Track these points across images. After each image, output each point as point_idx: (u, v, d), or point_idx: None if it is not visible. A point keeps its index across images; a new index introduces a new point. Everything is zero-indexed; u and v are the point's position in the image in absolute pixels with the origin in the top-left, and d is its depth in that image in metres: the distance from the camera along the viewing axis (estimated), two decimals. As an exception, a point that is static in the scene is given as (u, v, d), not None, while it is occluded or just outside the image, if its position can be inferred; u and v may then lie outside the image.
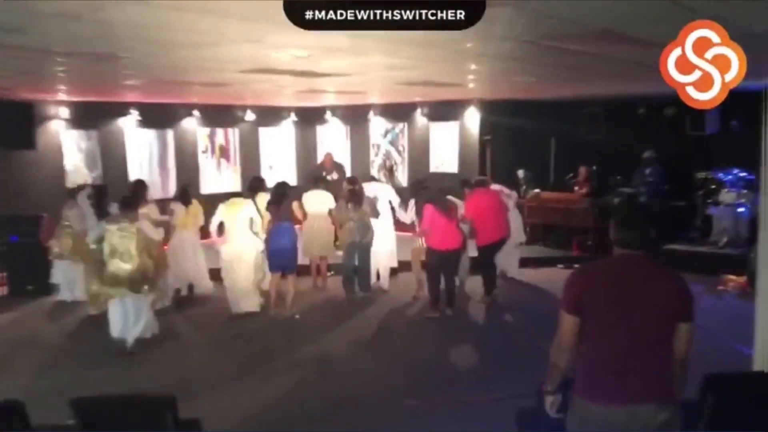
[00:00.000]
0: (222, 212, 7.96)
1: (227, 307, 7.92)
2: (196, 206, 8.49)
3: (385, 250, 8.86)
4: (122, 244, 6.50)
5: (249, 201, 8.01)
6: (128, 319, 6.59)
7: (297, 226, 8.04)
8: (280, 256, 7.66)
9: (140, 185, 8.26)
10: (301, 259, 8.41)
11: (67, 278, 8.51)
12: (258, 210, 7.86)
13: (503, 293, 8.56)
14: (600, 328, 2.80)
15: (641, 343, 2.77)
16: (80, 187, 8.96)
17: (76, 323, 7.81)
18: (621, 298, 2.77)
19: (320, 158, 13.42)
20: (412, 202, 8.46)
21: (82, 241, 8.00)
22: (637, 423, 2.75)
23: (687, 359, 2.83)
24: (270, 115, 13.57)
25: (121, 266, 6.47)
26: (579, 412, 2.87)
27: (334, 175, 10.82)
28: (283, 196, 7.75)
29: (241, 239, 7.78)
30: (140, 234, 6.57)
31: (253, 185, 8.42)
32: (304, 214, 8.31)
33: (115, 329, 6.60)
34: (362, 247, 8.36)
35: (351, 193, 8.27)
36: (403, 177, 12.95)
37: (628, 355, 2.77)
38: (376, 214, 8.51)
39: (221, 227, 7.98)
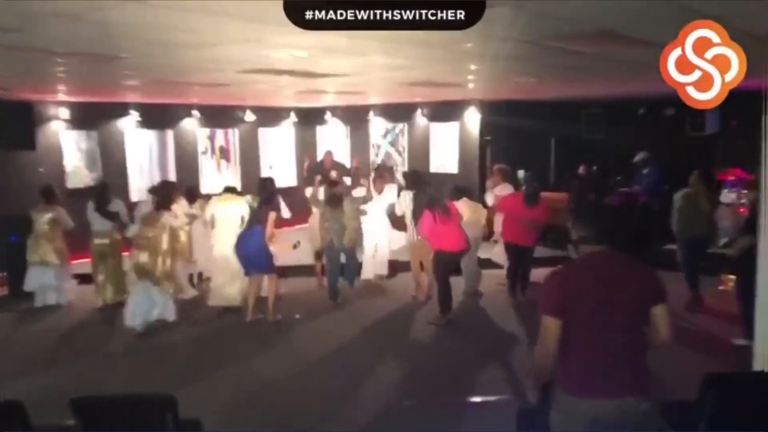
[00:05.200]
0: (214, 205, 8.06)
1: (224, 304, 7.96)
2: None
3: (383, 242, 9.08)
4: (147, 239, 7.24)
5: (242, 198, 8.03)
6: (142, 307, 7.19)
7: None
8: (247, 258, 7.45)
9: (167, 186, 8.58)
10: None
11: (42, 283, 8.43)
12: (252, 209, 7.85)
13: (501, 293, 8.58)
14: (584, 324, 2.83)
15: (624, 335, 2.84)
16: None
17: (76, 323, 7.81)
18: (601, 292, 2.83)
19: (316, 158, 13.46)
20: (406, 195, 8.45)
21: (58, 244, 8.31)
22: (624, 414, 2.81)
23: (669, 341, 2.92)
24: (270, 115, 13.57)
25: (145, 259, 7.18)
26: (566, 409, 2.89)
27: (333, 174, 10.79)
28: (266, 200, 7.58)
29: (230, 234, 7.72)
30: (164, 228, 7.32)
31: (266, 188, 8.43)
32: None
33: (129, 318, 7.19)
34: (343, 249, 8.30)
35: (329, 197, 8.24)
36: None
37: (613, 348, 2.83)
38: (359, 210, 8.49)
39: (212, 220, 8.05)
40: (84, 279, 8.86)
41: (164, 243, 7.33)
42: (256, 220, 7.47)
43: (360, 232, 8.62)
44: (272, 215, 7.46)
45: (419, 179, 8.51)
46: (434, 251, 7.54)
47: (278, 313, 7.62)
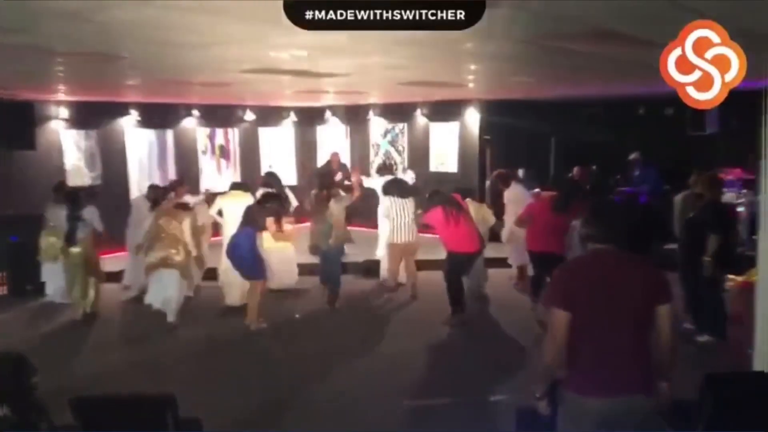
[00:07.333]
0: (220, 203, 8.13)
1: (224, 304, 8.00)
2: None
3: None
4: (168, 233, 7.37)
5: (248, 195, 8.02)
6: (164, 292, 7.35)
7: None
8: (237, 262, 7.28)
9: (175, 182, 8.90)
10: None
11: (53, 279, 8.36)
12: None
13: (501, 293, 8.58)
14: (589, 322, 2.85)
15: (629, 334, 2.85)
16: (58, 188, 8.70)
17: (75, 323, 7.79)
18: (607, 291, 2.84)
19: (320, 158, 13.45)
20: (387, 199, 8.27)
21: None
22: (631, 412, 2.83)
23: (675, 343, 2.94)
24: (270, 115, 13.57)
25: (163, 249, 7.31)
26: (573, 409, 2.90)
27: (340, 175, 10.78)
28: (263, 199, 7.47)
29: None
30: (181, 222, 7.47)
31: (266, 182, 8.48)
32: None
33: (155, 301, 7.41)
34: (329, 254, 7.96)
35: (316, 198, 8.22)
36: (402, 177, 12.91)
37: (618, 346, 2.84)
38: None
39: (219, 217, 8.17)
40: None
41: (185, 236, 7.42)
42: (247, 221, 7.23)
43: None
44: (269, 220, 7.20)
45: (401, 187, 8.36)
46: (447, 252, 7.33)
47: (263, 321, 7.38)
